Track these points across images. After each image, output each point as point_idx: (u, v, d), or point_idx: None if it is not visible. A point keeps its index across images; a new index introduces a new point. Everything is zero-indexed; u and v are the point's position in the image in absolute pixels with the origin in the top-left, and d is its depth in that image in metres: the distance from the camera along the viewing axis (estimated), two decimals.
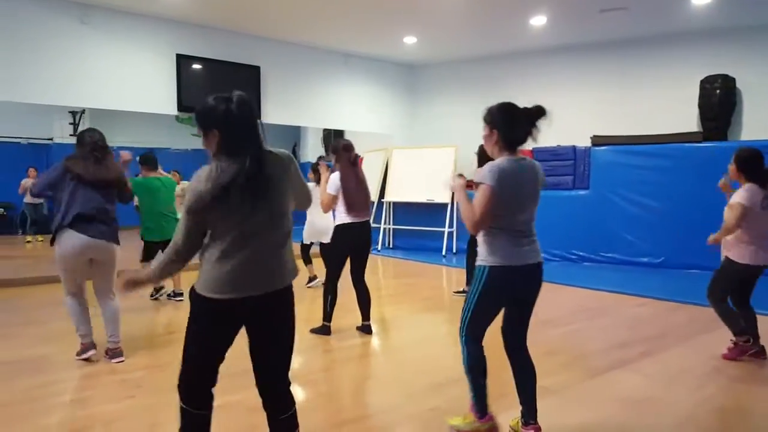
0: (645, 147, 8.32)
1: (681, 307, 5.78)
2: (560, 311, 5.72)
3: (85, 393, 3.50)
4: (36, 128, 12.98)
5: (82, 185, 3.73)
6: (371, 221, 10.55)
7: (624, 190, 8.39)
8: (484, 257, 2.60)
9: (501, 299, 2.67)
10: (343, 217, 4.58)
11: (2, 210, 12.82)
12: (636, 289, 6.59)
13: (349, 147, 4.63)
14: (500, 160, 2.55)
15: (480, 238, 2.61)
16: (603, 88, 9.62)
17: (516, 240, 2.56)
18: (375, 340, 4.83)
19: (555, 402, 3.30)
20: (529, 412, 2.68)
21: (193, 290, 2.05)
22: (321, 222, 6.32)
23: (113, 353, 3.97)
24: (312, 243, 6.72)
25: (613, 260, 8.44)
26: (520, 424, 2.71)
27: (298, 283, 6.58)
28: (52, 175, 3.80)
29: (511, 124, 2.57)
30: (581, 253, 8.73)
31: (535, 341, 4.54)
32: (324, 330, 4.69)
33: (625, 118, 9.19)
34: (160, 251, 5.58)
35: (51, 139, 13.12)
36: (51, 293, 5.87)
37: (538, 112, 2.58)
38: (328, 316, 4.70)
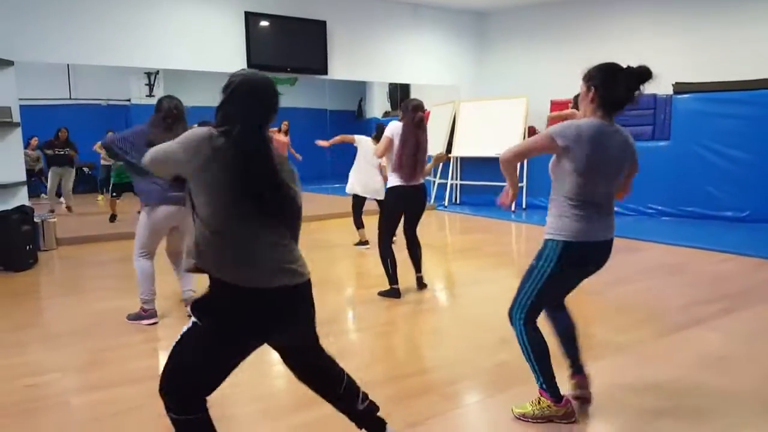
0: (731, 94, 7.78)
1: (766, 264, 5.50)
2: (635, 268, 5.56)
3: (169, 342, 3.73)
4: (114, 90, 13.56)
5: None
6: (437, 178, 10.52)
7: (708, 140, 7.92)
8: (557, 230, 2.40)
9: (573, 278, 2.51)
10: (394, 179, 4.51)
11: (87, 170, 13.58)
12: (718, 244, 6.28)
13: (417, 107, 4.49)
14: (588, 120, 2.37)
15: (554, 209, 2.44)
16: (686, 31, 8.99)
17: (595, 214, 2.39)
18: (441, 296, 4.88)
19: (628, 359, 3.26)
20: (576, 365, 2.66)
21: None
22: (373, 180, 6.47)
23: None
24: (362, 200, 6.67)
25: (693, 214, 8.06)
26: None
27: (351, 242, 6.64)
28: (132, 136, 3.84)
29: (612, 83, 2.37)
30: (659, 207, 8.38)
31: (611, 298, 4.52)
32: (393, 293, 4.60)
33: (710, 63, 8.57)
34: None
35: (129, 100, 13.70)
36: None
37: (642, 73, 2.35)
38: (393, 278, 4.61)
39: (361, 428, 2.22)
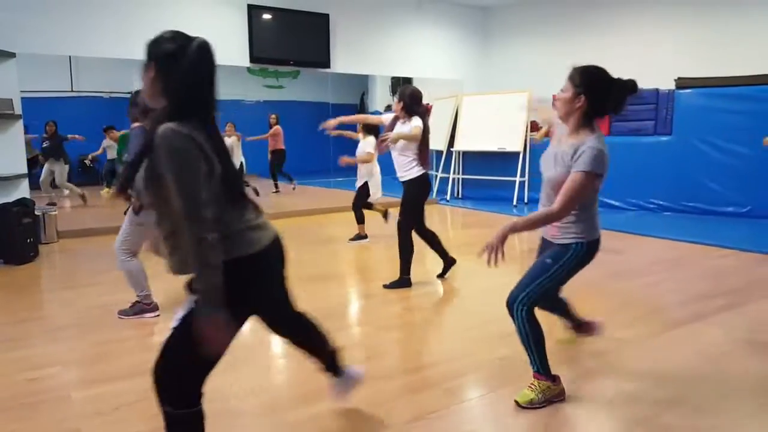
0: (734, 89, 7.74)
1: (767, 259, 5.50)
2: (637, 262, 5.55)
3: None
4: (117, 82, 13.50)
5: None
6: (439, 172, 10.51)
7: (710, 135, 7.88)
8: (581, 233, 2.51)
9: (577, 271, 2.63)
10: (418, 168, 4.59)
11: (89, 162, 13.55)
12: (719, 239, 6.27)
13: (419, 95, 4.62)
14: (598, 142, 2.38)
15: (573, 216, 2.49)
16: (689, 26, 8.95)
17: (597, 210, 2.59)
18: (444, 290, 4.88)
19: (630, 354, 3.26)
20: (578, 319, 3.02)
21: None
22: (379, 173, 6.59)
23: None
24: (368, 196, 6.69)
25: (695, 209, 8.04)
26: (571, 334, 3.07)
27: (345, 238, 6.65)
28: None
29: (604, 94, 2.40)
30: (661, 202, 8.37)
31: (611, 293, 4.52)
32: (404, 282, 4.67)
33: (712, 58, 8.53)
34: None
35: (131, 93, 13.63)
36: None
37: (632, 87, 2.41)
38: (407, 268, 4.68)
39: (331, 371, 2.48)
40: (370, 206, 6.76)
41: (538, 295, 2.58)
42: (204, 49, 1.71)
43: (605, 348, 3.33)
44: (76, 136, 9.91)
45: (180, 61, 1.66)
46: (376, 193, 6.65)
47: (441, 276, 4.99)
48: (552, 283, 2.59)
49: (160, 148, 1.58)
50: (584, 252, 2.53)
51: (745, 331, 3.62)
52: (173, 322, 1.81)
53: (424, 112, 4.62)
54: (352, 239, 6.73)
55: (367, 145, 6.44)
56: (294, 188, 11.63)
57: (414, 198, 4.68)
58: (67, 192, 10.13)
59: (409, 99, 4.55)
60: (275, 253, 1.91)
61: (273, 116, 11.30)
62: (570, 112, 2.46)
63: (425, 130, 4.56)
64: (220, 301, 1.62)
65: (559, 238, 2.57)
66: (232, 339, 1.78)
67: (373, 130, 6.43)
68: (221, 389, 2.75)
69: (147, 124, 1.69)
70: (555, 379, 2.65)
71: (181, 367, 1.78)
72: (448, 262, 4.98)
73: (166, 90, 1.67)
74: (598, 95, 2.40)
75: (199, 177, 1.61)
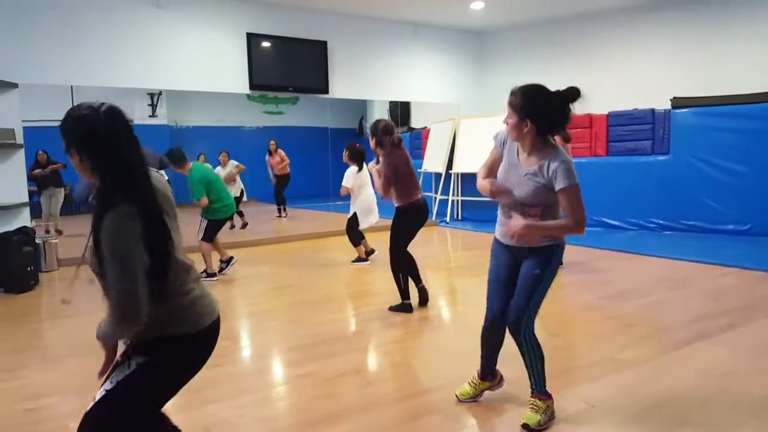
0: (729, 108, 7.80)
1: None
2: (638, 282, 5.54)
3: None
4: None
5: None
6: (438, 194, 10.52)
7: (707, 154, 7.93)
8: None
9: None
10: (398, 202, 4.56)
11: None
12: (720, 258, 6.26)
13: (387, 129, 4.55)
14: (564, 155, 2.43)
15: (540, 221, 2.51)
16: (682, 48, 9.05)
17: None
18: (445, 313, 4.86)
19: (633, 375, 3.23)
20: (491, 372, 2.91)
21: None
22: (369, 201, 6.52)
23: None
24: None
25: (694, 228, 8.04)
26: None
27: (348, 259, 6.63)
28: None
29: (544, 111, 2.40)
30: (660, 221, 8.37)
31: (613, 313, 4.50)
32: (405, 307, 4.64)
33: (707, 78, 8.62)
34: None
35: (132, 121, 13.70)
36: None
37: (573, 95, 2.38)
38: (405, 293, 4.66)
39: None
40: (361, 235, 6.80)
41: (537, 310, 2.59)
42: (114, 115, 1.71)
43: (607, 370, 3.30)
44: (57, 164, 9.67)
45: (98, 136, 1.65)
46: (362, 222, 6.64)
47: (393, 308, 4.71)
48: (545, 292, 2.59)
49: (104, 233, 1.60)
50: (562, 251, 2.61)
51: (749, 350, 3.60)
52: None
53: (388, 146, 4.52)
54: (354, 261, 6.75)
55: (346, 176, 6.53)
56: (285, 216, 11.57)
57: (396, 229, 4.65)
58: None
59: (381, 132, 4.55)
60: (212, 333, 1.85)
61: (273, 142, 11.36)
62: (521, 137, 2.47)
63: (393, 166, 4.45)
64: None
65: (537, 242, 2.52)
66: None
67: (357, 158, 6.46)
68: (229, 419, 2.72)
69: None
70: (551, 396, 2.67)
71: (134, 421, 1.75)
72: (405, 304, 4.68)
73: (97, 167, 1.67)
74: (542, 115, 2.40)
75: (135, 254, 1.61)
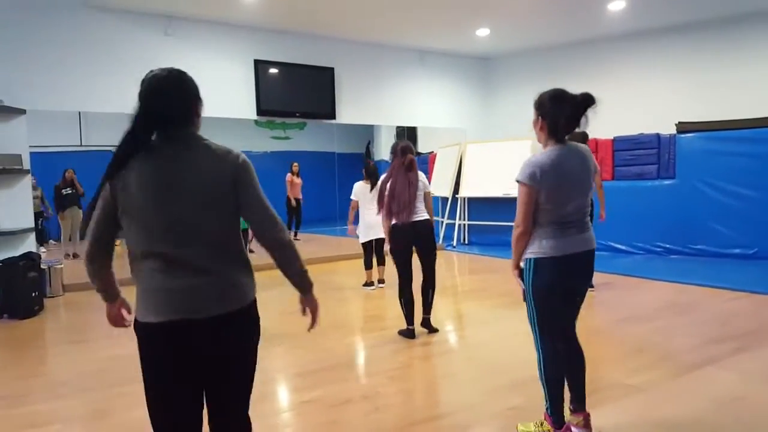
0: (734, 132, 7.82)
1: None
2: (647, 307, 5.48)
3: None
4: None
5: None
6: (445, 218, 10.52)
7: (713, 178, 7.92)
8: (531, 250, 2.56)
9: (556, 291, 2.56)
10: (391, 220, 4.61)
11: None
12: (728, 282, 6.21)
13: (405, 149, 4.62)
14: (539, 155, 2.52)
15: (533, 233, 2.58)
16: (687, 73, 9.10)
17: (564, 230, 2.53)
18: (453, 338, 4.82)
19: (643, 401, 3.18)
20: (578, 400, 2.67)
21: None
22: (370, 218, 6.42)
23: None
24: (371, 241, 6.71)
25: (702, 252, 7.99)
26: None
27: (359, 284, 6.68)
28: None
29: (559, 110, 2.48)
30: (668, 246, 8.32)
31: (621, 338, 4.45)
32: (407, 333, 4.64)
33: (711, 103, 8.64)
34: None
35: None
36: None
37: (585, 100, 2.45)
38: (408, 318, 4.64)
39: None
40: (380, 257, 6.85)
41: (546, 323, 2.59)
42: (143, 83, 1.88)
43: (616, 395, 3.26)
44: (80, 188, 9.85)
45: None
46: (361, 236, 6.72)
47: (401, 332, 4.73)
48: (542, 306, 2.57)
49: None
50: (534, 268, 2.54)
51: (759, 374, 3.55)
52: None
53: (399, 164, 4.59)
54: (365, 284, 6.80)
55: (353, 189, 6.72)
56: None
57: (391, 251, 4.71)
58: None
59: (392, 152, 4.70)
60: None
61: (296, 164, 11.78)
62: (538, 135, 2.61)
63: (393, 182, 4.56)
64: None
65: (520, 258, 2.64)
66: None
67: (370, 176, 6.59)
68: None
69: None
70: (561, 427, 2.63)
71: None
72: (408, 330, 4.67)
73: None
74: (550, 113, 2.51)
75: None
